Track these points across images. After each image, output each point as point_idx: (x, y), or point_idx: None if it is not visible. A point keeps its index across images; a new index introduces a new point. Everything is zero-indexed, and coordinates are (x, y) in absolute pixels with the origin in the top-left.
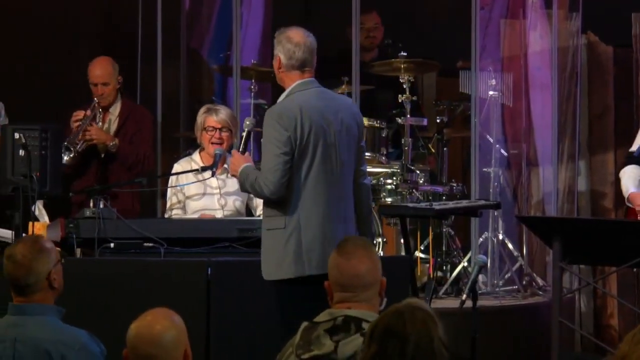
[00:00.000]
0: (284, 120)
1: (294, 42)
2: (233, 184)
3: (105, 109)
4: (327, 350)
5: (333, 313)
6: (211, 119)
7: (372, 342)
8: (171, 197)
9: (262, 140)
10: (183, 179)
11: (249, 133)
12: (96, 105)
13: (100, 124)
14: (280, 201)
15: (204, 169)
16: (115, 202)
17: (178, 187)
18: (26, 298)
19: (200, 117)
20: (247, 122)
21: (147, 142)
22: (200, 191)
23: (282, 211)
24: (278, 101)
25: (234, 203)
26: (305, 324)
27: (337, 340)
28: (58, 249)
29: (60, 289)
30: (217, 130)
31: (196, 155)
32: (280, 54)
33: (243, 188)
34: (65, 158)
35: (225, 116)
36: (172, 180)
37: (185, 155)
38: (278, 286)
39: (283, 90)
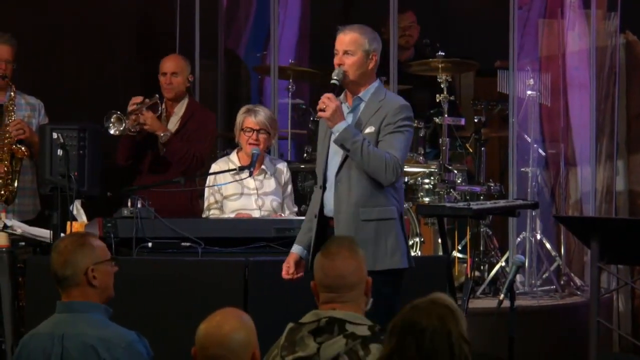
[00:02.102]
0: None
1: None
2: (270, 185)
3: (169, 106)
4: (310, 352)
5: (318, 314)
6: (250, 119)
7: (391, 337)
8: (209, 197)
9: (388, 125)
10: (221, 178)
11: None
12: (157, 97)
13: (165, 122)
14: (394, 192)
15: (241, 169)
16: (172, 200)
17: (216, 187)
18: (65, 293)
19: (239, 116)
20: (337, 72)
21: (202, 143)
22: (238, 191)
23: (395, 202)
24: (370, 92)
25: (271, 203)
26: (290, 324)
27: (320, 341)
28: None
29: (105, 290)
30: (255, 131)
31: (234, 155)
32: (377, 53)
33: (345, 146)
34: (112, 131)
35: (264, 118)
36: (210, 180)
37: (223, 155)
38: (382, 277)
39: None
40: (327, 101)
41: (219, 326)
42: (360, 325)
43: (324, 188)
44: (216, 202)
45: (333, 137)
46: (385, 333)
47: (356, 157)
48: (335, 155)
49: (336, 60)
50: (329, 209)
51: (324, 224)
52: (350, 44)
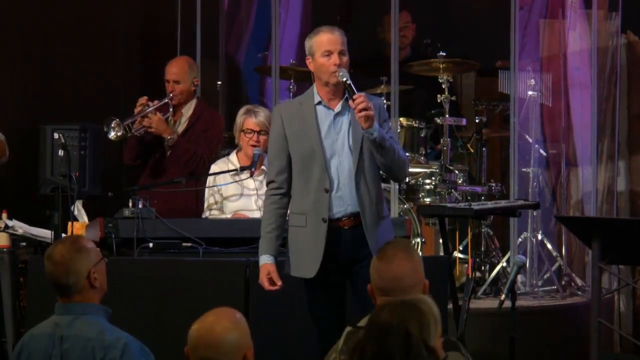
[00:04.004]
0: None
1: None
2: None
3: (177, 108)
4: None
5: None
6: (250, 121)
7: (363, 332)
8: (209, 198)
9: (384, 122)
10: (220, 179)
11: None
12: (168, 100)
13: (172, 122)
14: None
15: (242, 169)
16: (176, 202)
17: (215, 188)
18: (69, 298)
19: (239, 118)
20: (344, 74)
21: (209, 144)
22: (238, 192)
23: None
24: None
25: None
26: (348, 328)
27: None
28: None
29: (103, 288)
30: (255, 133)
31: (233, 156)
32: None
33: (383, 144)
34: (111, 135)
35: (264, 119)
36: (210, 180)
37: (223, 156)
38: None
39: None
40: (367, 100)
41: (211, 328)
42: None
43: (330, 190)
44: (216, 202)
45: (371, 136)
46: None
47: (388, 156)
48: (337, 157)
49: (332, 61)
50: (339, 210)
51: (335, 227)
52: (343, 44)
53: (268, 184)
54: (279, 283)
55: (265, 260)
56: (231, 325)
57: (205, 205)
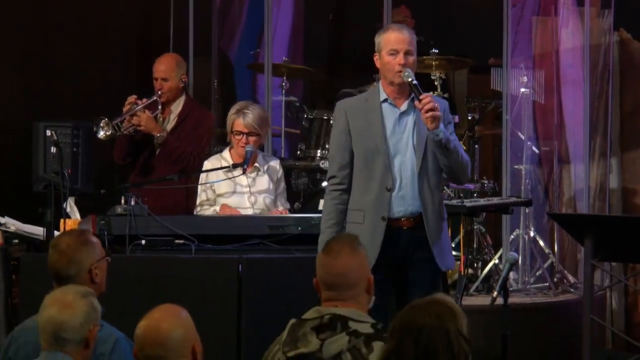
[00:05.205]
0: None
1: None
2: (263, 183)
3: (166, 105)
4: (313, 349)
5: (320, 311)
6: (239, 122)
7: (391, 338)
8: (201, 194)
9: (448, 124)
10: (213, 176)
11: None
12: (157, 98)
13: (161, 119)
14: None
15: (235, 166)
16: (166, 199)
17: (208, 185)
18: None
19: (229, 117)
20: (409, 74)
21: (199, 142)
22: (231, 189)
23: None
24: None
25: (264, 201)
26: (292, 320)
27: (323, 338)
28: None
29: (102, 286)
30: (244, 135)
31: (226, 153)
32: None
33: (448, 146)
34: (100, 134)
35: (253, 120)
36: (202, 177)
37: (216, 152)
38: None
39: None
40: (434, 100)
41: (156, 326)
42: (363, 323)
43: (392, 189)
44: (208, 199)
45: (437, 137)
46: (386, 335)
47: (452, 158)
48: (400, 155)
49: (398, 60)
50: (399, 209)
51: (394, 226)
52: (411, 44)
53: (329, 179)
54: None
55: None
56: (176, 321)
57: (197, 201)
